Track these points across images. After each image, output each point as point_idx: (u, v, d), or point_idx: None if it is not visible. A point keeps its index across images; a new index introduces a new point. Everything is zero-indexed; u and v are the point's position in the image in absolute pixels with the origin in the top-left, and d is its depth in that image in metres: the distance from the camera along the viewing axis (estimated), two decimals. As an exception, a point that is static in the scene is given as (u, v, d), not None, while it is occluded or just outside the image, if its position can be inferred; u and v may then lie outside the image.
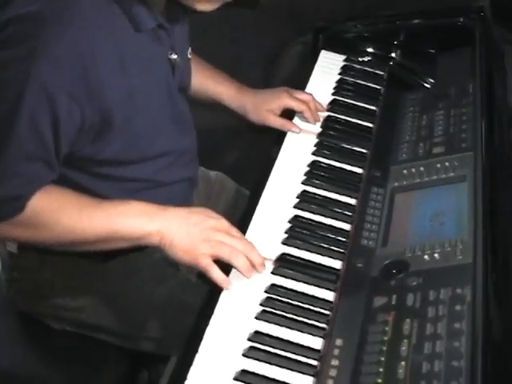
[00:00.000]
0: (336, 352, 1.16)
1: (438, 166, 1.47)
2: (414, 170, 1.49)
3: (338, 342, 1.18)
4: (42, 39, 1.15)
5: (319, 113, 1.71)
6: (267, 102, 1.67)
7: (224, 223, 1.29)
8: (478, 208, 1.31)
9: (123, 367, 1.54)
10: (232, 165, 1.97)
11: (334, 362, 1.14)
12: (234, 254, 1.25)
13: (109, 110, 1.25)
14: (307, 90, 1.79)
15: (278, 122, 1.66)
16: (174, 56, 1.38)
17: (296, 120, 1.69)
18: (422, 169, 1.49)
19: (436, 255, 1.26)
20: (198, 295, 1.37)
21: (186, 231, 1.26)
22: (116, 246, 1.30)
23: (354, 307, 1.24)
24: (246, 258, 1.26)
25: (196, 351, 1.17)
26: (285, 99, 1.66)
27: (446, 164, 1.47)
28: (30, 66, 1.14)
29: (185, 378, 1.14)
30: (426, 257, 1.27)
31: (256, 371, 1.15)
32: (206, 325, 1.21)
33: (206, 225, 1.27)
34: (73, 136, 1.24)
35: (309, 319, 1.24)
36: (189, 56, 1.51)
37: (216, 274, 1.25)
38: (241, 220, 1.45)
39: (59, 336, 1.52)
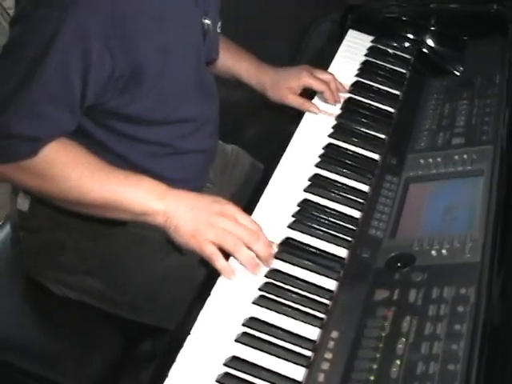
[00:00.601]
0: (331, 345, 1.13)
1: (456, 157, 1.42)
2: (431, 160, 1.45)
3: (334, 334, 1.15)
4: None
5: (340, 94, 1.66)
6: (287, 80, 1.63)
7: (231, 209, 1.25)
8: (492, 205, 1.27)
9: (123, 338, 1.52)
10: (249, 139, 1.93)
11: (328, 355, 1.11)
12: (237, 247, 1.21)
13: (141, 63, 1.25)
14: (331, 69, 1.75)
15: (296, 101, 1.62)
16: (208, 21, 1.37)
17: (316, 100, 1.65)
18: (439, 159, 1.44)
19: (444, 251, 1.22)
20: (202, 272, 1.33)
21: (192, 215, 1.23)
22: (120, 217, 1.28)
23: (355, 299, 1.20)
24: (250, 250, 1.22)
25: (188, 333, 1.15)
26: (305, 78, 1.62)
27: (465, 156, 1.42)
28: (71, 6, 1.15)
29: (174, 360, 1.11)
30: (433, 252, 1.23)
31: (247, 358, 1.12)
32: (201, 306, 1.18)
33: (213, 210, 1.23)
34: (101, 85, 1.23)
35: (308, 308, 1.21)
36: (218, 30, 1.48)
37: (221, 263, 1.21)
38: (251, 197, 1.43)
39: (60, 303, 1.51)
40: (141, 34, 1.23)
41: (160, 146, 1.41)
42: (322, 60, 1.81)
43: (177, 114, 1.39)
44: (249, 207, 1.36)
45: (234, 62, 1.68)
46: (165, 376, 1.08)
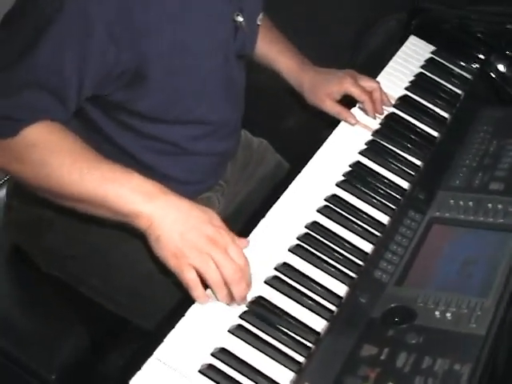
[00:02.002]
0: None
1: (489, 205, 1.29)
2: (462, 202, 1.32)
3: (306, 387, 1.04)
4: None
5: (384, 107, 1.53)
6: (327, 85, 1.51)
7: (224, 236, 1.10)
8: (516, 271, 1.14)
9: (101, 326, 1.44)
10: (281, 135, 1.80)
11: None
12: (218, 284, 1.09)
13: (149, 60, 1.14)
14: (381, 75, 1.62)
15: (333, 109, 1.50)
16: (240, 18, 1.25)
17: (356, 109, 1.52)
18: (470, 203, 1.31)
19: (448, 314, 1.10)
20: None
21: (179, 231, 1.08)
22: (101, 214, 1.15)
23: (339, 349, 1.09)
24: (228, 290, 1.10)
25: (182, 315, 1.09)
26: (346, 84, 1.49)
27: (499, 206, 1.29)
28: None
29: (161, 341, 1.05)
30: (437, 313, 1.11)
31: (236, 353, 1.06)
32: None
33: (204, 231, 1.09)
34: (102, 77, 1.13)
35: (289, 348, 1.11)
36: (258, 22, 1.38)
37: (198, 293, 1.09)
38: (265, 202, 1.34)
39: (43, 279, 1.44)
40: (151, 28, 1.11)
41: (167, 145, 1.31)
42: (377, 62, 1.67)
43: (192, 114, 1.28)
44: (262, 210, 1.28)
45: (276, 55, 1.57)
46: (149, 355, 1.04)
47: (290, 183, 1.35)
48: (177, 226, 1.08)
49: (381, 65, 1.66)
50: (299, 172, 1.37)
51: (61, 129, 1.14)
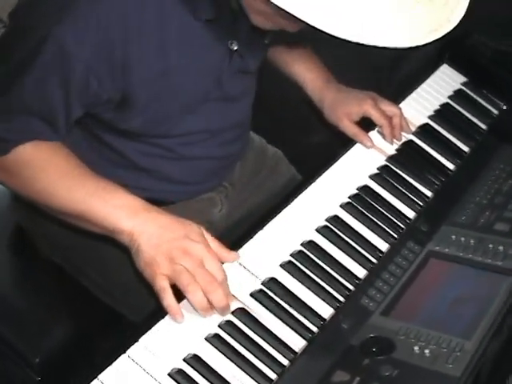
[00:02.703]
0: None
1: (490, 246, 1.27)
2: (463, 239, 1.30)
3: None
4: (77, 1, 1.07)
5: (403, 133, 1.51)
6: (347, 104, 1.50)
7: (200, 250, 1.11)
8: (505, 318, 1.12)
9: (98, 317, 1.45)
10: (297, 147, 1.79)
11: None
12: (191, 287, 1.09)
13: (132, 90, 1.16)
14: (407, 101, 1.60)
15: (350, 129, 1.49)
16: (235, 47, 1.23)
17: (374, 132, 1.50)
18: (472, 241, 1.29)
19: (427, 351, 1.09)
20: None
21: (155, 243, 1.10)
22: (91, 229, 1.18)
23: (311, 371, 1.09)
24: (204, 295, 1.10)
25: (162, 317, 1.10)
26: (367, 106, 1.48)
27: (500, 248, 1.27)
28: (54, 26, 1.07)
29: (136, 340, 1.07)
30: (416, 348, 1.10)
31: (208, 361, 1.06)
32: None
33: (179, 244, 1.10)
34: (87, 104, 1.17)
35: (262, 362, 1.10)
36: (266, 42, 1.35)
37: (168, 302, 1.09)
38: (267, 214, 1.32)
39: (46, 265, 1.45)
40: (132, 62, 1.12)
41: (164, 150, 1.32)
42: (407, 87, 1.66)
43: (182, 128, 1.29)
44: (263, 222, 1.28)
45: (302, 70, 1.56)
46: (126, 348, 1.05)
47: (295, 199, 1.34)
48: (153, 239, 1.11)
49: (409, 90, 1.63)
50: (305, 188, 1.36)
51: (51, 146, 1.19)
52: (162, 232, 1.11)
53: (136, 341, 1.08)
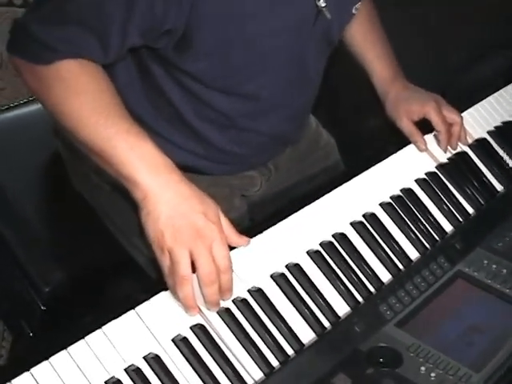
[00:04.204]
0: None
1: (522, 280, 1.24)
2: (495, 266, 1.27)
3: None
4: None
5: (459, 143, 1.47)
6: (410, 103, 1.46)
7: (213, 231, 1.05)
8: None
9: (115, 261, 1.45)
10: (350, 136, 1.76)
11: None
12: (186, 280, 1.04)
13: (197, 26, 1.10)
14: (470, 111, 1.55)
15: (407, 128, 1.45)
16: (323, 4, 1.19)
17: (430, 136, 1.47)
18: (503, 271, 1.26)
19: (433, 374, 1.08)
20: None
21: (169, 213, 1.04)
22: (109, 172, 1.12)
23: (315, 366, 1.08)
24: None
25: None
26: (428, 108, 1.44)
27: (531, 284, 1.23)
28: None
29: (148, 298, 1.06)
30: (422, 368, 1.09)
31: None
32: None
33: (193, 221, 1.04)
34: (145, 29, 1.10)
35: (268, 349, 1.10)
36: (353, 11, 1.32)
37: (169, 282, 1.06)
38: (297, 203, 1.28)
39: (74, 198, 1.44)
40: None
41: (218, 114, 1.28)
42: (474, 95, 1.61)
43: (244, 88, 1.25)
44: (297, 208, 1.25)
45: (372, 59, 1.53)
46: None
47: (335, 188, 1.32)
48: (168, 208, 1.05)
49: (475, 100, 1.59)
50: (348, 181, 1.33)
51: (94, 71, 1.13)
52: (179, 202, 1.06)
53: (147, 299, 1.07)
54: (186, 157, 1.31)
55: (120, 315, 1.05)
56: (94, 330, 1.02)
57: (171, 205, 1.05)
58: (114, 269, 1.44)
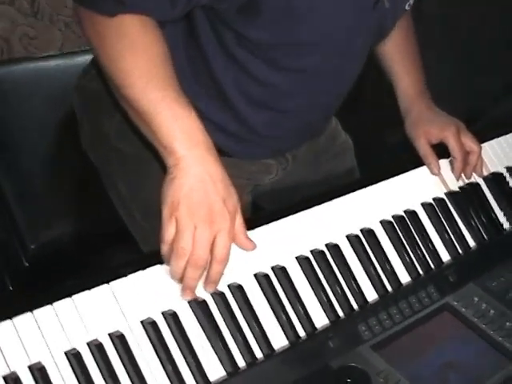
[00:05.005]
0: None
1: (508, 324, 1.21)
2: (484, 305, 1.23)
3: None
4: None
5: (474, 173, 1.44)
6: (430, 124, 1.43)
7: (225, 222, 1.05)
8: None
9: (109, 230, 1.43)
10: (370, 142, 1.73)
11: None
12: (182, 251, 1.04)
13: None
14: (492, 143, 1.52)
15: (423, 149, 1.42)
16: None
17: (444, 161, 1.43)
18: (492, 312, 1.23)
19: (398, 405, 1.04)
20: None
21: (192, 186, 1.05)
22: (146, 134, 1.12)
23: (277, 373, 1.05)
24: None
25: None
26: (448, 133, 1.41)
27: (515, 329, 1.20)
28: None
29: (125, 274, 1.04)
30: (390, 396, 1.05)
31: (184, 323, 1.04)
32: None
33: (211, 202, 1.05)
34: None
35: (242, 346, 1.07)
36: (406, 7, 1.32)
37: (164, 250, 1.06)
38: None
39: (80, 159, 1.43)
40: None
41: (262, 89, 1.26)
42: (499, 127, 1.58)
43: (293, 64, 1.23)
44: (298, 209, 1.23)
45: (400, 72, 1.51)
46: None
47: (339, 197, 1.29)
48: (194, 180, 1.06)
49: (499, 133, 1.55)
50: (354, 191, 1.30)
51: (154, 32, 1.12)
52: (206, 180, 1.06)
53: (125, 275, 1.05)
54: (214, 132, 1.29)
55: (94, 286, 1.02)
56: (65, 297, 1.00)
57: (198, 179, 1.05)
58: (105, 238, 1.42)
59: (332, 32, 1.21)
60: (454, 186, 1.42)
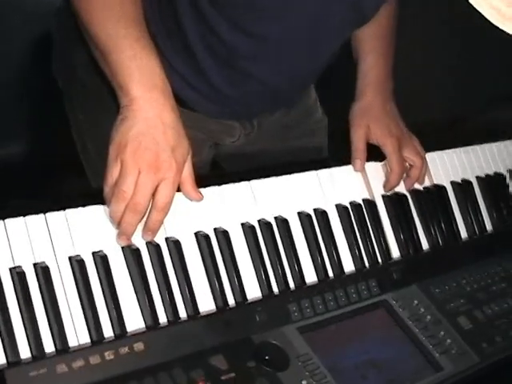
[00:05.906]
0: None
1: (441, 334, 1.19)
2: (422, 309, 1.22)
3: (139, 345, 0.98)
4: None
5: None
6: (376, 121, 1.36)
7: (171, 171, 1.02)
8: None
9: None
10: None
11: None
12: (122, 195, 1.01)
13: None
14: (441, 154, 1.45)
15: (356, 143, 1.34)
16: None
17: (373, 164, 1.36)
18: (428, 318, 1.21)
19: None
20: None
21: (142, 130, 1.01)
22: (104, 67, 1.08)
23: (195, 336, 1.02)
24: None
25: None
26: (388, 142, 1.34)
27: (447, 341, 1.19)
28: None
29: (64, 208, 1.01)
30: (304, 382, 1.04)
31: (113, 268, 1.02)
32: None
33: (159, 150, 1.01)
34: None
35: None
36: None
37: (106, 191, 1.03)
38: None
39: (50, 80, 1.38)
40: None
41: (224, 47, 1.22)
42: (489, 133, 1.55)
43: (255, 28, 1.19)
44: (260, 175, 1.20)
45: (368, 50, 1.43)
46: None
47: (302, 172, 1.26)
48: (144, 125, 1.02)
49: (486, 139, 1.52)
50: (315, 169, 1.27)
51: None
52: (157, 125, 1.02)
53: (63, 208, 1.01)
54: (178, 84, 1.25)
55: (28, 214, 1.00)
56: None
57: (148, 124, 1.02)
58: (57, 166, 1.38)
59: (294, 2, 1.16)
60: (380, 190, 1.34)
